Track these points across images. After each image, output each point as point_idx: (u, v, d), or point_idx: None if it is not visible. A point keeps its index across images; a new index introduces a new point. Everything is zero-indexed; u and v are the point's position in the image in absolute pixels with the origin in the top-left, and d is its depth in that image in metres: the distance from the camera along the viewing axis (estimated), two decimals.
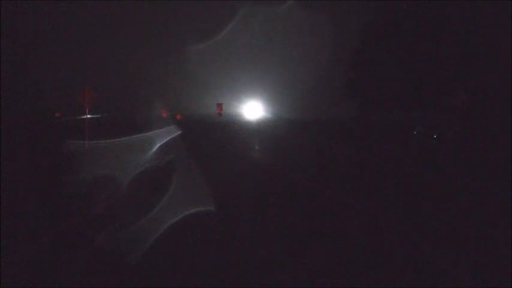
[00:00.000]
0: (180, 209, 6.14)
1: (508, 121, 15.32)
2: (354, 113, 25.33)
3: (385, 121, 22.86)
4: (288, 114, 30.50)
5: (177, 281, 3.89)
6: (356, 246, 4.86)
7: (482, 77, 17.87)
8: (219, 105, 31.14)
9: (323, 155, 15.53)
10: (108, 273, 4.03)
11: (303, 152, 16.42)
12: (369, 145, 17.95)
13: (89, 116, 16.65)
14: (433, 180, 9.78)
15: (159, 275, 4.01)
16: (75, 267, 4.16)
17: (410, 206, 6.92)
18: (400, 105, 22.58)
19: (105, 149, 14.76)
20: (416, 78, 20.63)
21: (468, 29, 18.61)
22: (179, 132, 19.84)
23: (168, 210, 6.20)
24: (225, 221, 5.92)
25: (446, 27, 19.64)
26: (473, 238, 5.23)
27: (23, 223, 5.66)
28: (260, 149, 18.13)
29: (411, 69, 20.92)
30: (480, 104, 16.94)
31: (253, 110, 32.07)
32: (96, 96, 15.58)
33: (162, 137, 17.26)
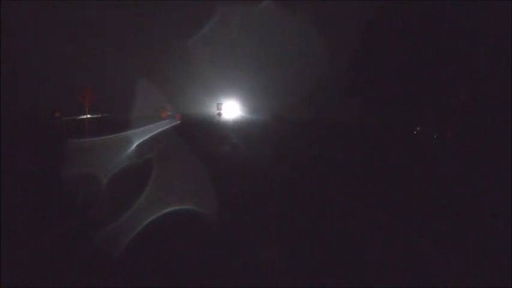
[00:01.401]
0: (161, 207, 6.18)
1: (508, 121, 15.32)
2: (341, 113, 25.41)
3: (383, 121, 22.84)
4: (269, 114, 30.65)
5: (176, 281, 3.89)
6: (356, 246, 4.86)
7: (482, 77, 17.88)
8: (219, 105, 31.13)
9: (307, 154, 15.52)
10: (108, 273, 4.03)
11: (284, 151, 16.27)
12: (367, 144, 17.94)
13: (89, 115, 16.67)
14: (433, 179, 9.77)
15: (158, 274, 4.01)
16: (75, 267, 4.16)
17: (410, 206, 6.91)
18: (400, 105, 22.59)
19: (101, 147, 14.79)
20: (417, 78, 20.64)
21: (468, 29, 18.62)
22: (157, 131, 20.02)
23: (152, 208, 6.20)
24: (215, 220, 5.92)
25: (447, 27, 19.65)
26: (473, 238, 5.23)
27: (23, 223, 5.65)
28: (237, 145, 17.73)
29: (411, 70, 20.92)
30: (480, 104, 16.96)
31: (231, 108, 32.31)
32: (95, 96, 15.59)
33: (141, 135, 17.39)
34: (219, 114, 30.55)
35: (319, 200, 7.54)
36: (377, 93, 23.25)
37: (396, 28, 21.70)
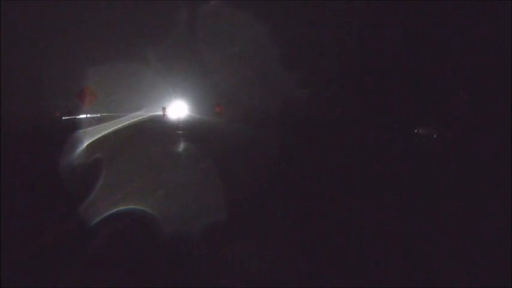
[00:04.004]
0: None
1: (508, 121, 15.31)
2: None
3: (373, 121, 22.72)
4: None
5: (177, 282, 3.90)
6: (355, 246, 4.86)
7: (482, 77, 17.87)
8: (219, 105, 31.16)
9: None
10: (107, 273, 4.03)
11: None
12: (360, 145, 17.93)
13: (89, 115, 16.71)
14: (432, 179, 9.77)
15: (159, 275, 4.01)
16: (75, 267, 4.16)
17: (409, 206, 6.92)
18: (400, 105, 22.57)
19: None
20: (416, 78, 20.63)
21: (469, 28, 18.61)
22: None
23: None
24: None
25: (447, 26, 19.64)
26: (473, 238, 5.23)
27: (23, 223, 5.65)
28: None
29: (409, 70, 20.92)
30: (480, 105, 16.94)
31: (180, 109, 32.60)
32: (95, 96, 15.60)
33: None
34: (219, 114, 30.64)
35: (317, 201, 7.55)
36: (371, 92, 23.22)
37: (394, 27, 21.68)
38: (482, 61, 17.99)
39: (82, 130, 18.05)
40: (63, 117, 26.18)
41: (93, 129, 18.67)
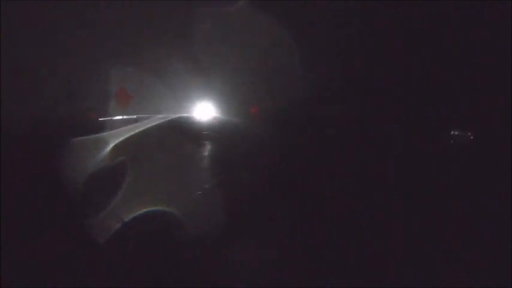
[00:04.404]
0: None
1: (508, 121, 15.26)
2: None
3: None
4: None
5: (177, 282, 3.90)
6: (355, 246, 4.86)
7: (482, 77, 17.82)
8: (254, 105, 30.57)
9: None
10: (108, 273, 4.03)
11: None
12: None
13: (125, 116, 16.48)
14: (433, 179, 9.75)
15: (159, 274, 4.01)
16: (75, 267, 4.16)
17: (410, 206, 6.91)
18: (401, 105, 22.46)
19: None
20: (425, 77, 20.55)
21: (469, 28, 18.56)
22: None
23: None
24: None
25: (447, 25, 19.60)
26: (473, 238, 5.22)
27: (23, 223, 5.65)
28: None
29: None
30: (480, 105, 16.86)
31: (209, 109, 31.82)
32: (131, 97, 15.37)
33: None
34: (254, 115, 30.14)
35: (315, 198, 7.54)
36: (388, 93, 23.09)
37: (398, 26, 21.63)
38: (482, 61, 17.95)
39: (108, 132, 17.94)
40: (100, 119, 25.94)
41: (120, 130, 18.55)
